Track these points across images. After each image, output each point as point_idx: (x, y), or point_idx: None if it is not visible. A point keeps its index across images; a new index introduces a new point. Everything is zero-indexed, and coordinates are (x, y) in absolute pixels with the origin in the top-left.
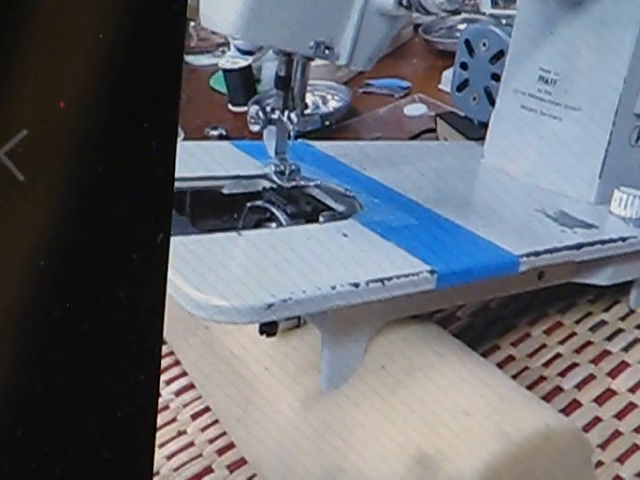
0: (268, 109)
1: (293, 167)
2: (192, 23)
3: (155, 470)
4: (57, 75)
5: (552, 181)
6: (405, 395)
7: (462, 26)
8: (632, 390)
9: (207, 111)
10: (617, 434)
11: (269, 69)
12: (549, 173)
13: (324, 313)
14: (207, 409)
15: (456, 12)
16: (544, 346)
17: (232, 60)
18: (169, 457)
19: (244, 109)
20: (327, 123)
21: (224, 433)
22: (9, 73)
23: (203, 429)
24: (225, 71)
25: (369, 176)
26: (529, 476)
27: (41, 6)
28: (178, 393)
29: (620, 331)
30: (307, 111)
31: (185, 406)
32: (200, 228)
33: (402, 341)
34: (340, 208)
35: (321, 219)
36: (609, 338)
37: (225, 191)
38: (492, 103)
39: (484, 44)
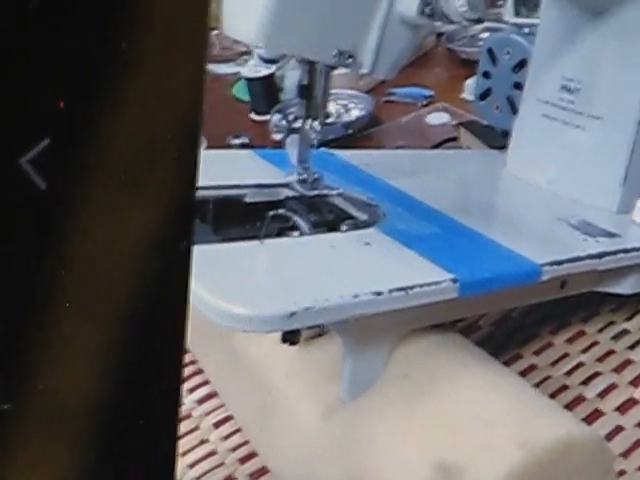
0: (290, 118)
1: (315, 176)
2: (215, 32)
3: (177, 479)
4: (75, 83)
5: (574, 190)
6: (427, 404)
7: (485, 35)
8: None
9: (229, 120)
10: (639, 443)
11: (291, 78)
12: (571, 182)
13: (346, 321)
14: (229, 418)
15: (479, 21)
16: (566, 355)
17: (255, 69)
18: (191, 465)
19: (266, 118)
20: (349, 132)
21: (246, 442)
22: (28, 83)
23: (225, 438)
24: (248, 80)
25: (391, 185)
26: None
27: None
28: (200, 401)
29: None
30: (329, 120)
31: (207, 414)
32: (222, 237)
33: (424, 350)
34: (362, 217)
35: (343, 228)
36: (631, 347)
37: (247, 200)
38: (515, 112)
39: (507, 53)
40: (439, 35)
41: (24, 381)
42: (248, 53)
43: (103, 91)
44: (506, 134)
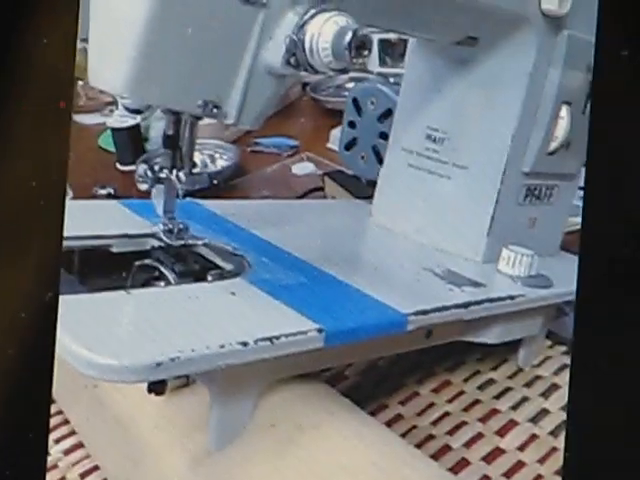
0: (156, 168)
1: (181, 226)
2: (80, 82)
3: None
4: None
5: (440, 239)
6: (294, 453)
7: (350, 85)
8: (520, 448)
9: (95, 170)
10: None
11: (157, 128)
12: (437, 231)
13: (213, 371)
14: (96, 468)
15: (344, 71)
16: (432, 405)
17: (120, 119)
18: None
19: (132, 168)
20: (215, 182)
21: None
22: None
23: None
24: (113, 130)
25: (257, 235)
26: None
27: None
28: (67, 452)
29: (508, 389)
30: (195, 170)
31: (74, 465)
32: (89, 287)
33: (291, 399)
34: (228, 267)
35: (209, 278)
36: (497, 397)
37: (114, 250)
38: (380, 161)
39: (372, 102)
40: (304, 85)
41: None
42: (114, 103)
43: None
44: (372, 184)
